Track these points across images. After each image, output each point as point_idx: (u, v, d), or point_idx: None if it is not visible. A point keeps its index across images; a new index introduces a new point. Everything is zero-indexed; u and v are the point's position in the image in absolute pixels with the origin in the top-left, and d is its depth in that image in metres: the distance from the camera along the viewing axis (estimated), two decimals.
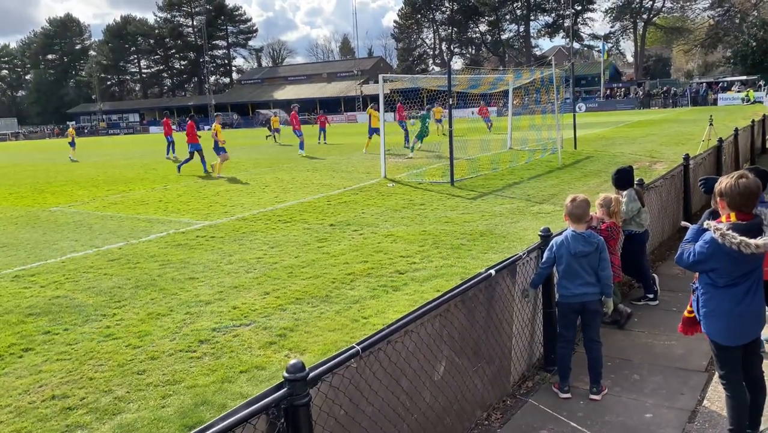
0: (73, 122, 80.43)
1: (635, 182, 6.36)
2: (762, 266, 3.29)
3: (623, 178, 6.26)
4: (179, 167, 19.98)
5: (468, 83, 19.68)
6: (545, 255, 4.38)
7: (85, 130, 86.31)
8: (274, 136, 34.38)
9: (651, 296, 6.11)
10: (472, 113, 41.08)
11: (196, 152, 19.84)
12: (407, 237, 9.07)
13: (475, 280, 3.67)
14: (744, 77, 59.41)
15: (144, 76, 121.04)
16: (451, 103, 15.41)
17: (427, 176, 15.67)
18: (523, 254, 4.27)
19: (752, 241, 3.04)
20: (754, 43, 62.32)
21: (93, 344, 5.58)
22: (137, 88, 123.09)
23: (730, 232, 3.09)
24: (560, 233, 4.44)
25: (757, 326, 3.39)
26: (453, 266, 7.37)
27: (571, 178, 14.21)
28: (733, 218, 3.24)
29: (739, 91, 53.90)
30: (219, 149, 18.64)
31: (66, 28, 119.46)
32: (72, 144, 31.19)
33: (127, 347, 5.47)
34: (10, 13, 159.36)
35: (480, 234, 9.02)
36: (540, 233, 4.60)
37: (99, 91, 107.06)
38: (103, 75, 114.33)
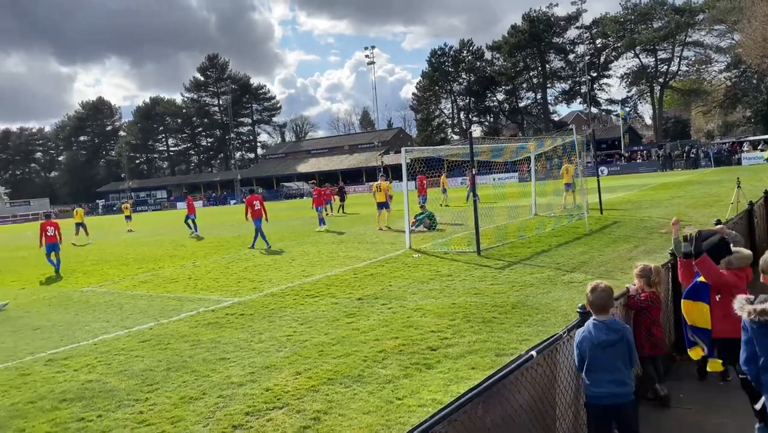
0: (127, 199, 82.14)
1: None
2: None
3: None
4: (263, 244, 19.32)
5: (491, 152, 19.90)
6: (575, 355, 4.15)
7: (114, 208, 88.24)
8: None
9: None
10: (494, 180, 41.34)
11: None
12: (437, 310, 8.97)
13: (517, 363, 3.59)
14: (766, 136, 59.22)
15: (171, 153, 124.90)
16: (474, 172, 15.57)
17: (452, 246, 15.63)
18: (563, 333, 4.18)
19: None
20: None
21: (127, 432, 5.52)
22: (165, 166, 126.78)
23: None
24: (581, 323, 4.26)
25: None
26: (486, 341, 7.24)
27: (600, 245, 14.06)
28: None
29: (762, 150, 53.62)
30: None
31: (98, 110, 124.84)
32: (128, 218, 35.57)
33: None
34: (46, 99, 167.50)
35: (512, 306, 8.89)
36: (578, 310, 4.52)
37: (128, 169, 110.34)
38: (132, 154, 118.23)
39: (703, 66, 77.81)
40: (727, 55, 72.69)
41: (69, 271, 17.83)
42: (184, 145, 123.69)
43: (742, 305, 3.15)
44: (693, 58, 79.90)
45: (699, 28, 76.60)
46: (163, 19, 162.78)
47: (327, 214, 30.56)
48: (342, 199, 34.17)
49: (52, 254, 17.90)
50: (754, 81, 69.62)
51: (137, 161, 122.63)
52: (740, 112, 76.45)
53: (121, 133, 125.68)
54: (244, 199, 20.72)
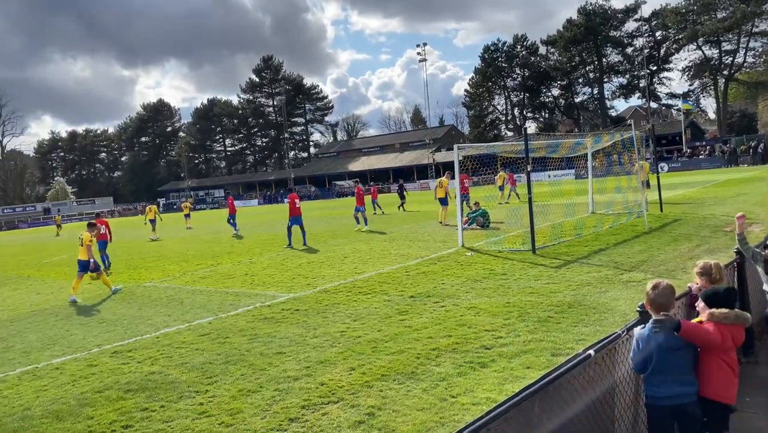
0: (187, 198, 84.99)
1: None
2: None
3: None
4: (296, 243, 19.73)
5: (546, 148, 19.57)
6: (633, 357, 3.94)
7: (174, 207, 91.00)
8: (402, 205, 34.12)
9: None
10: (549, 177, 40.56)
11: (297, 226, 19.69)
12: (491, 309, 8.90)
13: (574, 362, 3.53)
14: None
15: (228, 153, 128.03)
16: (529, 169, 15.33)
17: (506, 244, 15.46)
18: (622, 332, 4.08)
19: None
20: None
21: (188, 422, 5.71)
22: (222, 165, 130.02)
23: None
24: (640, 322, 4.08)
25: None
26: (542, 341, 7.14)
27: (660, 243, 13.63)
28: None
29: None
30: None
31: (158, 112, 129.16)
32: (187, 216, 37.08)
33: (220, 425, 5.56)
34: (110, 102, 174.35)
35: (568, 305, 8.73)
36: (638, 309, 4.40)
37: (187, 169, 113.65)
38: (190, 154, 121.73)
39: None
40: None
41: (132, 267, 18.51)
42: (240, 145, 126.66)
43: None
44: (760, 49, 76.38)
45: (766, 17, 73.07)
46: (219, 22, 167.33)
47: (373, 213, 30.95)
48: (402, 198, 34.23)
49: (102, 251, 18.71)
50: None
51: (196, 161, 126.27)
52: None
53: (181, 134, 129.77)
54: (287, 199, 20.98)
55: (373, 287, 11.41)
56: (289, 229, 19.83)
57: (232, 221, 27.99)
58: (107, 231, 19.02)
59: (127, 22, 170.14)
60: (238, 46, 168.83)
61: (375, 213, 31.92)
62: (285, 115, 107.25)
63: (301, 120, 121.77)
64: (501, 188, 31.07)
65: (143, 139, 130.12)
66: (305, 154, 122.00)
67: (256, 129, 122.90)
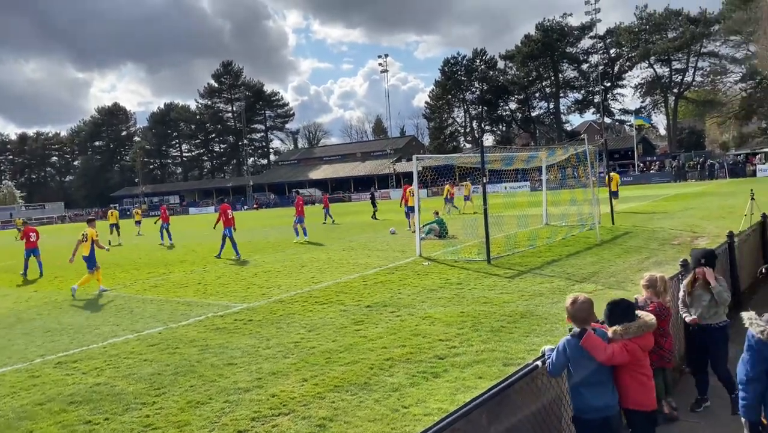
0: (140, 204, 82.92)
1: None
2: None
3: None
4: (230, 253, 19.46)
5: (502, 161, 19.87)
6: (558, 360, 3.87)
7: (127, 213, 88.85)
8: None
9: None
10: (505, 188, 41.19)
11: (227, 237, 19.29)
12: (445, 319, 8.94)
13: (522, 372, 3.56)
14: None
15: (185, 159, 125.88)
16: (485, 181, 15.53)
17: (462, 254, 15.59)
18: None
19: None
20: None
21: None
22: (178, 171, 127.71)
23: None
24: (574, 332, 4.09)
25: None
26: (494, 351, 7.20)
27: (611, 255, 13.96)
28: None
29: None
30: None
31: (113, 116, 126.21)
32: (138, 223, 36.68)
33: None
34: (62, 106, 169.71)
35: (520, 315, 8.84)
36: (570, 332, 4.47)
37: (142, 174, 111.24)
38: (146, 159, 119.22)
39: (719, 77, 77.17)
40: (743, 66, 72.04)
41: (81, 274, 17.94)
42: (198, 151, 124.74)
43: (762, 326, 3.08)
44: (708, 69, 79.34)
45: (714, 38, 76.04)
46: (178, 26, 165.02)
47: (323, 223, 31.07)
48: (374, 206, 34.21)
49: (31, 257, 19.05)
50: None
51: (151, 166, 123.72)
52: (756, 124, 75.69)
53: (136, 138, 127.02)
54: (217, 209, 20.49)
55: (330, 297, 11.34)
56: (224, 239, 19.29)
57: (165, 230, 27.04)
58: (36, 238, 19.33)
59: (83, 24, 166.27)
60: (197, 50, 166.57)
61: (324, 223, 31.93)
62: (244, 122, 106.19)
63: (260, 127, 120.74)
64: (447, 200, 31.40)
65: (97, 143, 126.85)
66: (265, 162, 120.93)
67: (214, 135, 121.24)
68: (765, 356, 3.09)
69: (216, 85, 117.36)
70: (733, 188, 34.45)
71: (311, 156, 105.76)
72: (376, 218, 32.40)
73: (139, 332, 9.73)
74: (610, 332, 4.01)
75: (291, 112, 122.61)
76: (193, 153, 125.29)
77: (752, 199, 15.94)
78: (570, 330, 4.06)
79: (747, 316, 3.18)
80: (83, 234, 14.82)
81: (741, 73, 73.63)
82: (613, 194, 23.93)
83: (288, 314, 10.20)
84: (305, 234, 22.70)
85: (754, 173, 52.73)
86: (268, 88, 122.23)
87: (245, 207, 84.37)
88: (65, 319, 11.39)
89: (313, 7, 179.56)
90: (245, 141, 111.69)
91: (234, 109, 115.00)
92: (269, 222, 34.53)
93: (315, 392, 6.30)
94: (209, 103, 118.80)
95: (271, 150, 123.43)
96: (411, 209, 22.71)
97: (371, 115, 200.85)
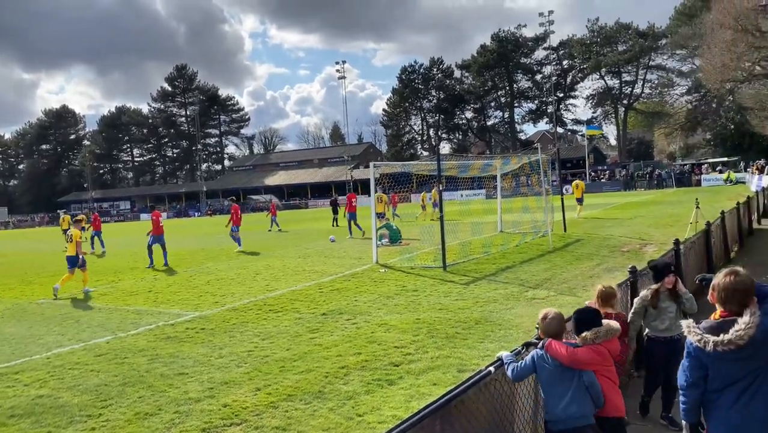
0: (90, 210, 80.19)
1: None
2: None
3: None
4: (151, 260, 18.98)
5: (457, 168, 20.08)
6: (516, 369, 3.95)
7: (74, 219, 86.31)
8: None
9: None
10: (461, 196, 41.56)
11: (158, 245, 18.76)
12: (401, 326, 8.94)
13: (475, 379, 3.58)
14: (725, 159, 61.18)
15: (136, 164, 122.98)
16: (441, 188, 15.68)
17: (419, 261, 15.65)
18: (522, 349, 4.19)
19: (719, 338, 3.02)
20: (732, 126, 64.63)
21: None
22: (129, 176, 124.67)
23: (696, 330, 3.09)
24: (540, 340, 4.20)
25: None
26: (449, 357, 7.23)
27: (563, 262, 14.24)
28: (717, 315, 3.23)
29: (721, 172, 55.31)
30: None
31: (61, 119, 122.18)
32: (83, 229, 32.10)
33: None
34: (7, 107, 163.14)
35: (475, 322, 8.91)
36: (537, 326, 4.53)
37: (91, 179, 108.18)
38: (95, 163, 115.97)
39: (666, 89, 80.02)
40: (689, 79, 74.88)
41: (25, 282, 17.31)
42: (150, 156, 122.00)
43: (699, 335, 3.18)
44: (656, 81, 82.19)
45: (662, 52, 78.98)
46: (130, 27, 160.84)
47: (268, 230, 30.83)
48: (335, 212, 33.92)
49: None
50: (714, 105, 71.87)
51: (101, 171, 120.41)
52: (701, 135, 78.67)
53: (85, 142, 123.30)
54: (152, 216, 19.84)
55: (285, 305, 11.20)
56: (149, 247, 18.80)
57: (96, 238, 26.28)
58: None
59: (30, 24, 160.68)
60: (150, 53, 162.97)
61: (270, 230, 31.64)
62: (198, 126, 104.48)
63: (215, 132, 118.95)
64: (436, 205, 31.47)
65: (44, 146, 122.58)
66: (219, 167, 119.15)
67: (167, 139, 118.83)
68: (702, 363, 3.21)
69: (169, 88, 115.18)
70: (680, 197, 35.64)
71: (267, 162, 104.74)
72: (336, 225, 32.24)
73: (86, 341, 9.41)
74: (579, 339, 4.05)
75: (246, 117, 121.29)
76: (145, 158, 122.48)
77: (697, 207, 16.52)
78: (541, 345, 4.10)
79: (686, 324, 3.29)
80: (69, 235, 15.01)
81: (687, 86, 76.55)
82: (579, 200, 26.60)
83: (241, 322, 10.03)
84: (239, 244, 21.93)
85: (699, 183, 54.71)
86: (224, 92, 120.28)
87: (198, 213, 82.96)
88: (6, 329, 10.93)
89: (270, 11, 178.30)
90: (199, 146, 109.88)
91: (188, 113, 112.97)
92: (223, 229, 33.91)
93: (268, 401, 6.20)
94: (162, 107, 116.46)
95: (225, 155, 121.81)
96: (379, 215, 22.76)
97: (328, 121, 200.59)
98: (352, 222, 24.05)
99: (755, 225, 18.50)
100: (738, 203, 16.25)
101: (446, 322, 9.01)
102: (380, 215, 22.96)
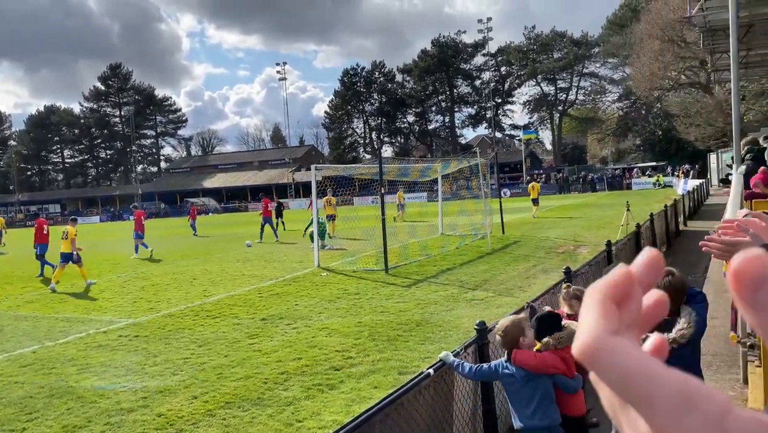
0: (16, 212, 76.41)
1: None
2: None
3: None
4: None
5: (398, 172, 20.20)
6: (487, 368, 4.03)
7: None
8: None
9: None
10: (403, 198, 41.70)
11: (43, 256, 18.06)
12: (342, 330, 8.90)
13: (413, 382, 3.58)
14: (654, 163, 63.98)
15: (67, 165, 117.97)
16: (383, 191, 15.71)
17: (361, 264, 15.64)
18: (460, 350, 4.23)
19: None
20: (660, 132, 67.65)
21: None
22: (60, 178, 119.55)
23: None
24: (476, 342, 4.24)
25: None
26: (390, 360, 7.24)
27: (501, 263, 14.51)
28: None
29: (650, 176, 57.76)
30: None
31: None
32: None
33: None
34: None
35: (416, 324, 8.96)
36: (476, 327, 4.59)
37: (17, 181, 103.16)
38: (22, 165, 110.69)
39: (598, 96, 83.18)
40: (620, 87, 78.08)
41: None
42: (81, 157, 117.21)
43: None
44: (589, 88, 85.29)
45: (595, 60, 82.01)
46: (60, 24, 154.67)
47: (194, 234, 30.28)
48: (279, 216, 33.26)
49: None
50: (643, 112, 75.17)
51: (28, 173, 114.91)
52: (631, 141, 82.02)
53: (11, 142, 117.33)
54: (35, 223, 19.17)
55: (223, 310, 10.96)
56: (39, 257, 18.07)
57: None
58: None
59: None
60: (82, 51, 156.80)
61: (196, 234, 30.98)
62: (133, 127, 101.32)
63: (151, 133, 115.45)
64: (401, 206, 31.26)
65: None
66: (155, 169, 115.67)
67: (99, 140, 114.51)
68: None
69: (103, 88, 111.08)
70: (612, 200, 36.95)
71: (205, 164, 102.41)
72: (284, 228, 31.79)
73: (10, 352, 8.93)
74: (541, 345, 4.01)
75: (184, 118, 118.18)
76: (76, 159, 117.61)
77: (628, 210, 17.18)
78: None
79: None
80: (64, 232, 15.46)
81: (618, 93, 79.77)
82: (534, 201, 28.45)
83: (177, 328, 9.75)
84: (136, 251, 21.36)
85: (629, 186, 56.95)
86: (160, 92, 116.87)
87: (132, 217, 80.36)
88: None
89: (209, 11, 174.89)
90: (134, 147, 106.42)
91: (122, 113, 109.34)
92: (158, 233, 32.93)
93: (205, 409, 6.04)
94: (95, 106, 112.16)
95: (162, 157, 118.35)
96: (330, 218, 22.56)
97: (269, 123, 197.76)
98: (268, 225, 24.38)
99: (682, 226, 19.39)
100: (666, 206, 16.99)
101: (388, 324, 9.02)
102: (331, 217, 22.84)
